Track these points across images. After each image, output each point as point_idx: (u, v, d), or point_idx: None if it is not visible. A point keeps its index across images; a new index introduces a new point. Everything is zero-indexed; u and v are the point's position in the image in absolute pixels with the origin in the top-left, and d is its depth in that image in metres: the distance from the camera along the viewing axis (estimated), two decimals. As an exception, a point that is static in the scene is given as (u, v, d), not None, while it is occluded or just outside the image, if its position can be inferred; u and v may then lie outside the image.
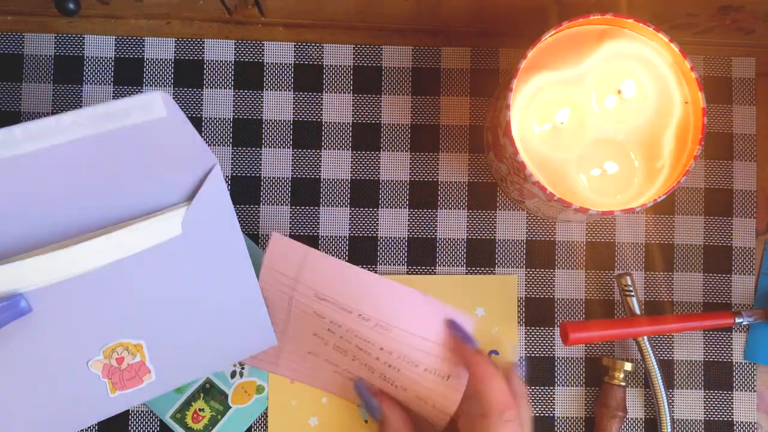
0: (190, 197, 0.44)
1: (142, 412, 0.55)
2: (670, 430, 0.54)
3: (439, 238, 0.57)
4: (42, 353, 0.43)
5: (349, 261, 0.56)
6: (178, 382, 0.50)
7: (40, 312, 0.42)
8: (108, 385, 0.46)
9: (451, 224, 0.57)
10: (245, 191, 0.56)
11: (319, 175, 0.56)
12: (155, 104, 0.37)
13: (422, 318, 0.49)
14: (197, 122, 0.56)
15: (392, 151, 0.57)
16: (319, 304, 0.49)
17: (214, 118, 0.56)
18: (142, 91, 0.56)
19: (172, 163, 0.42)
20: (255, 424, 0.55)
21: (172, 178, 0.43)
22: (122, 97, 0.56)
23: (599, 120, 0.49)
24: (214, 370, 0.52)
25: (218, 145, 0.56)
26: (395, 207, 0.57)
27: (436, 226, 0.57)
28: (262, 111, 0.57)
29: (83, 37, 0.56)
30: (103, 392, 0.46)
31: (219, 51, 0.57)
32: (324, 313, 0.49)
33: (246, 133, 0.56)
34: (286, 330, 0.51)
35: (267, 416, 0.55)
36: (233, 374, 0.55)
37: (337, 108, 0.57)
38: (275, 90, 0.57)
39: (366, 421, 0.55)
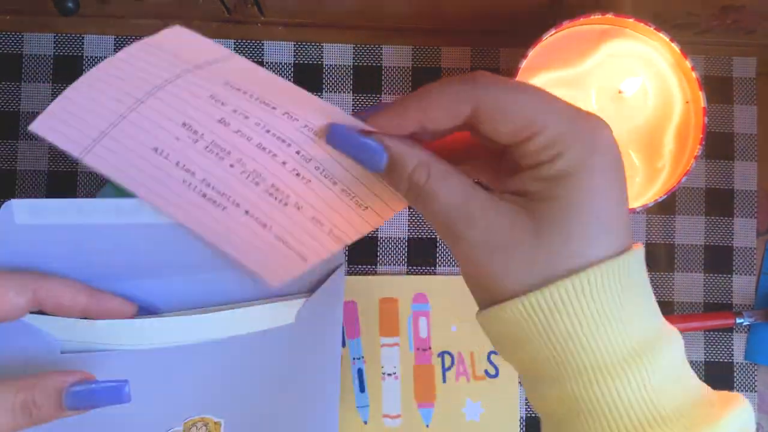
0: (310, 289, 0.44)
1: None
2: (670, 430, 0.54)
3: (440, 238, 0.56)
4: (128, 414, 0.42)
5: (348, 261, 0.56)
6: None
7: (135, 376, 0.40)
8: None
9: (451, 224, 0.57)
10: (245, 191, 0.56)
11: (319, 175, 0.56)
12: None
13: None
14: (197, 122, 0.56)
15: (392, 151, 0.57)
16: (224, 89, 0.36)
17: (214, 118, 0.56)
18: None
19: None
20: (255, 425, 0.55)
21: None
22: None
23: (600, 120, 0.49)
24: None
25: (218, 145, 0.56)
26: (395, 207, 0.56)
27: (436, 227, 0.57)
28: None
29: (82, 37, 0.56)
30: None
31: (218, 51, 0.57)
32: (222, 97, 0.36)
33: (246, 133, 0.56)
34: (128, 113, 0.37)
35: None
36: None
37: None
38: (275, 90, 0.57)
39: (366, 422, 0.55)
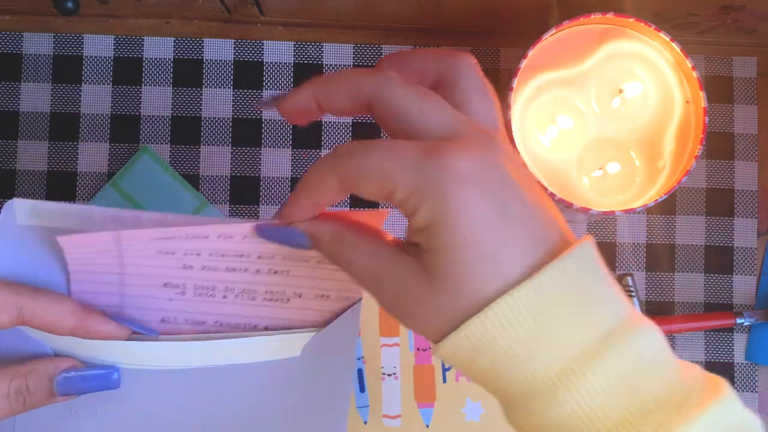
0: (324, 322, 0.42)
1: None
2: (671, 431, 0.54)
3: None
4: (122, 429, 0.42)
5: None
6: None
7: (133, 393, 0.41)
8: None
9: (452, 224, 0.56)
10: (245, 191, 0.56)
11: (319, 175, 0.56)
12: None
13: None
14: (196, 122, 0.56)
15: (392, 151, 0.57)
16: (158, 243, 0.39)
17: (214, 118, 0.56)
18: (141, 91, 0.56)
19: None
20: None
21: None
22: (122, 96, 0.56)
23: (600, 120, 0.49)
24: None
25: (218, 144, 0.56)
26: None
27: (436, 227, 0.56)
28: (262, 111, 0.56)
29: (82, 37, 0.56)
30: None
31: (218, 50, 0.57)
32: (166, 249, 0.39)
33: (245, 133, 0.56)
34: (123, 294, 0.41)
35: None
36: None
37: (336, 108, 0.57)
38: (275, 89, 0.57)
39: (366, 422, 0.55)
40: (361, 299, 0.43)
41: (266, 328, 0.41)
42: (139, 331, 0.40)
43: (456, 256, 0.28)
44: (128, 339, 0.39)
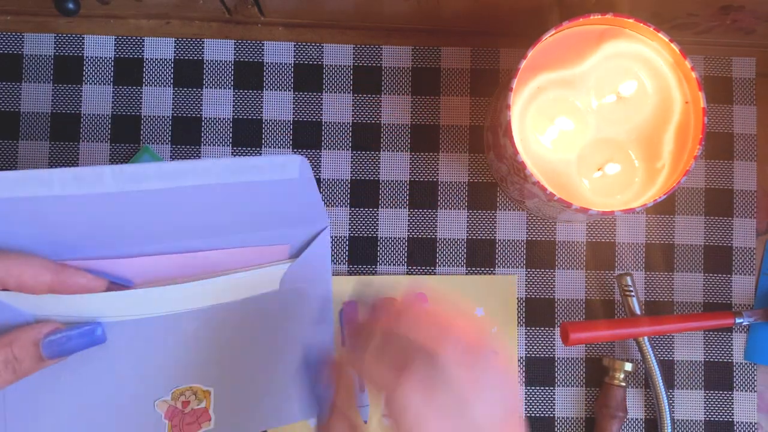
0: (294, 255, 0.44)
1: None
2: (670, 430, 0.54)
3: (439, 238, 0.57)
4: (114, 385, 0.43)
5: (349, 261, 0.56)
6: None
7: (119, 345, 0.42)
8: (167, 428, 0.46)
9: (451, 224, 0.57)
10: (245, 191, 0.56)
11: (319, 175, 0.56)
12: (292, 166, 0.38)
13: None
14: (197, 122, 0.56)
15: (392, 151, 0.57)
16: None
17: (214, 118, 0.56)
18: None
19: (287, 219, 0.43)
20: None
21: (283, 232, 0.43)
22: (122, 96, 0.56)
23: (599, 120, 0.49)
24: (266, 427, 0.50)
25: (218, 145, 0.56)
26: (395, 207, 0.57)
27: (436, 226, 0.57)
28: (261, 111, 0.57)
29: (83, 37, 0.56)
30: None
31: (219, 51, 0.57)
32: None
33: (246, 133, 0.56)
34: None
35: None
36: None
37: (337, 108, 0.57)
38: (275, 90, 0.57)
39: (366, 422, 0.55)
40: (326, 228, 0.44)
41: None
42: (115, 282, 0.40)
43: None
44: (106, 291, 0.40)
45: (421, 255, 0.56)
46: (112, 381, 0.43)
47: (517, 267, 0.57)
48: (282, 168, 0.38)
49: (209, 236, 0.42)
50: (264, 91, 0.57)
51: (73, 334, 0.38)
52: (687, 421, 0.56)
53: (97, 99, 0.56)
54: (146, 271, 0.41)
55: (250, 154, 0.56)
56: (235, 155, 0.56)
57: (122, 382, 0.43)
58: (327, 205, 0.56)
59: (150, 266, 0.41)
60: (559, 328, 0.56)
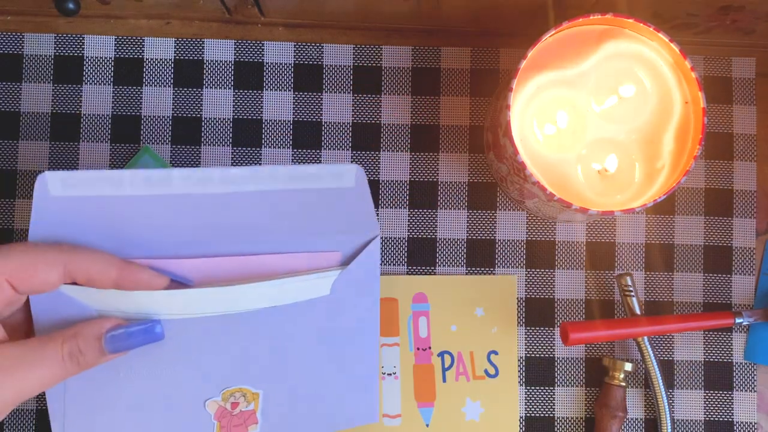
0: (345, 262, 0.46)
1: None
2: (670, 430, 0.54)
3: (439, 238, 0.57)
4: (168, 383, 0.44)
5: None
6: None
7: (176, 343, 0.43)
8: (216, 428, 0.46)
9: (451, 224, 0.57)
10: (245, 191, 0.56)
11: (319, 175, 0.56)
12: (349, 175, 0.40)
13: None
14: (197, 122, 0.56)
15: (392, 151, 0.57)
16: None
17: (214, 118, 0.56)
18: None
19: (340, 226, 0.44)
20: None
21: (336, 238, 0.45)
22: (122, 96, 0.56)
23: (599, 120, 0.49)
24: None
25: (218, 145, 0.56)
26: (395, 207, 0.57)
27: (436, 226, 0.57)
28: (262, 111, 0.57)
29: (83, 37, 0.56)
30: None
31: (219, 51, 0.57)
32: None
33: (246, 134, 0.56)
34: None
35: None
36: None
37: (337, 108, 0.57)
38: (275, 90, 0.57)
39: (366, 422, 0.55)
40: (377, 236, 0.46)
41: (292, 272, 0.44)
42: (176, 280, 0.42)
43: None
44: (166, 289, 0.42)
45: (421, 255, 0.56)
46: (167, 378, 0.44)
47: (517, 267, 0.57)
48: (339, 177, 0.40)
49: (266, 240, 0.43)
50: (264, 91, 0.57)
51: (133, 331, 0.40)
52: (687, 421, 0.56)
53: (97, 99, 0.56)
54: (206, 272, 0.43)
55: (250, 155, 0.56)
56: (235, 155, 0.56)
57: (176, 379, 0.44)
58: (327, 205, 0.56)
59: (209, 267, 0.43)
60: (558, 328, 0.56)
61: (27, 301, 0.40)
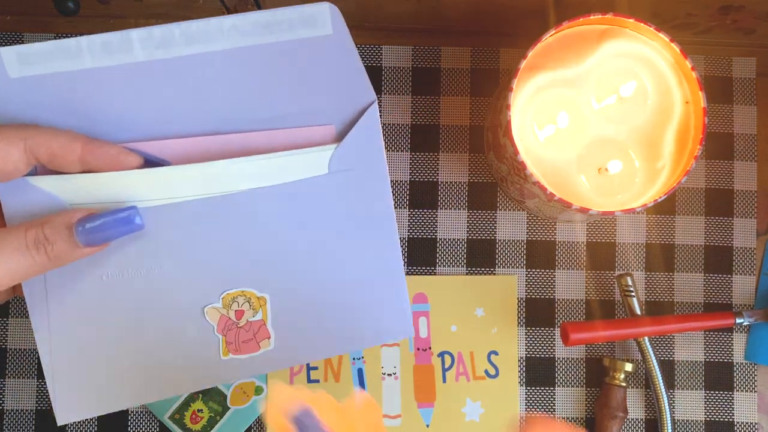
0: (341, 137, 0.40)
1: (140, 412, 0.55)
2: (670, 430, 0.54)
3: (439, 238, 0.57)
4: (159, 287, 0.39)
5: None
6: (296, 361, 0.42)
7: (159, 236, 0.38)
8: (221, 344, 0.40)
9: (451, 224, 0.57)
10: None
11: (319, 175, 0.56)
12: (322, 18, 0.36)
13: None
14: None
15: (392, 151, 0.57)
16: None
17: (214, 118, 0.56)
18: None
19: (328, 89, 0.39)
20: (253, 425, 0.55)
21: (325, 108, 0.39)
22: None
23: (600, 120, 0.49)
24: (336, 352, 0.43)
25: (218, 145, 0.56)
26: (395, 207, 0.56)
27: (436, 226, 0.57)
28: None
29: (83, 37, 0.56)
30: (214, 352, 0.40)
31: (219, 51, 0.57)
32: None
33: (246, 133, 0.56)
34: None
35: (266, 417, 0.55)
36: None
37: (336, 108, 0.57)
38: (275, 90, 0.57)
39: (366, 422, 0.55)
40: (374, 101, 0.40)
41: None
42: (151, 161, 0.38)
43: None
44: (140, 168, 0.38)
45: (421, 255, 0.56)
46: (156, 281, 0.39)
47: (517, 267, 0.57)
48: (312, 21, 0.36)
49: (248, 118, 0.39)
50: (264, 91, 0.57)
51: (109, 220, 0.36)
52: (687, 421, 0.56)
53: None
54: (183, 153, 0.38)
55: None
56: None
57: (167, 281, 0.39)
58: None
59: (187, 147, 0.38)
60: (559, 329, 0.56)
61: None
